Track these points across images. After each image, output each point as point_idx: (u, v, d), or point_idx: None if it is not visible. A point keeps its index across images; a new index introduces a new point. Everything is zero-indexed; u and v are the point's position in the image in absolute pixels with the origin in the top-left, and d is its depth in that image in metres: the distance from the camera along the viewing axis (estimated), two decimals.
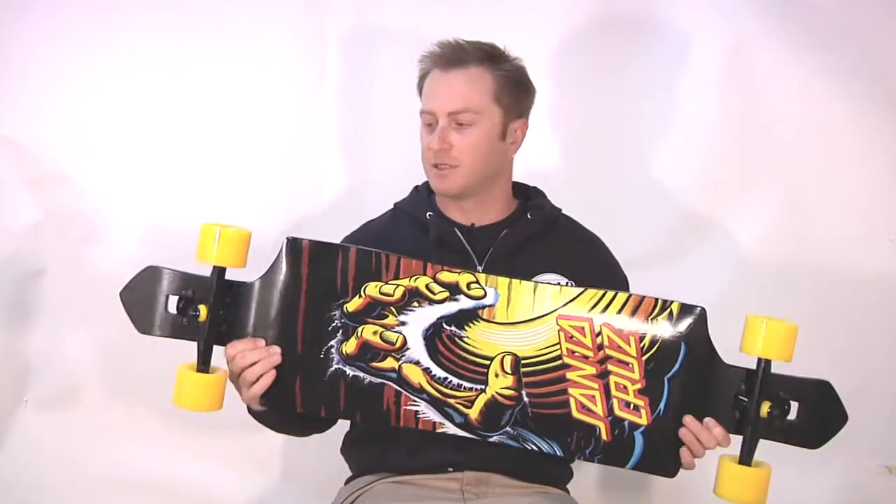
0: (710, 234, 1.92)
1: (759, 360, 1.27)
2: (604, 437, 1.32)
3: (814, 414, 1.30)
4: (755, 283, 1.89)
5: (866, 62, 1.89)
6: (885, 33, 1.89)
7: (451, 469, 1.45)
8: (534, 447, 1.33)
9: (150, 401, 1.93)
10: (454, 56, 1.45)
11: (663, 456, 1.33)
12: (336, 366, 1.32)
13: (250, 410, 1.41)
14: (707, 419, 1.29)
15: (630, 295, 1.29)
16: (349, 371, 1.32)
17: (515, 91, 1.48)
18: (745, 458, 1.30)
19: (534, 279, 1.37)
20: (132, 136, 1.90)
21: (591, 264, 1.50)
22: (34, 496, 1.92)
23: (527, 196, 1.56)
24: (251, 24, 1.89)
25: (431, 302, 1.30)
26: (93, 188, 1.90)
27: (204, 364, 1.29)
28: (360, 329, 1.31)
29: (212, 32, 1.89)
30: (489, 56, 1.45)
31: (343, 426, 1.59)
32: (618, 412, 1.31)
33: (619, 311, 1.29)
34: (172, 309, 1.30)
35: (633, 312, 1.29)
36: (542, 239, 1.50)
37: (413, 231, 1.51)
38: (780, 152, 1.90)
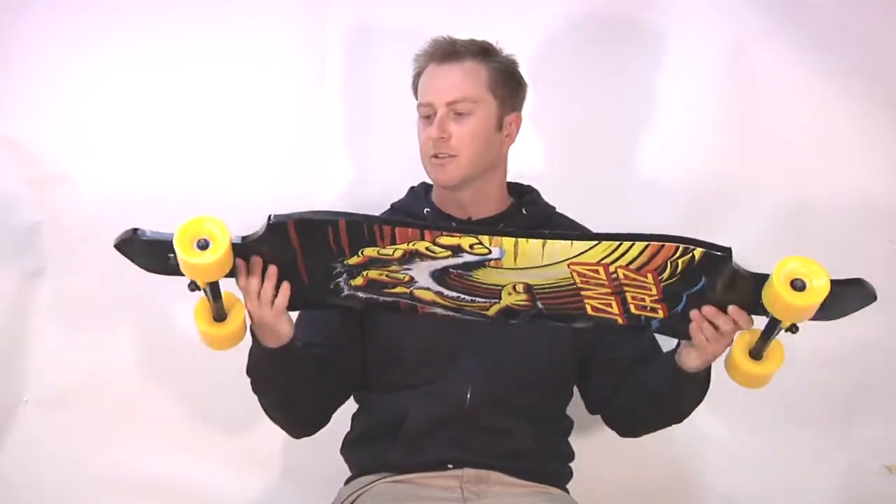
0: (709, 235, 1.90)
1: None
2: (620, 322, 1.33)
3: (839, 302, 1.27)
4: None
5: (866, 62, 1.89)
6: (885, 33, 1.89)
7: (450, 466, 1.46)
8: (554, 324, 1.34)
9: (150, 401, 1.93)
10: (449, 50, 1.49)
11: (682, 326, 1.32)
12: (348, 292, 1.33)
13: (252, 366, 1.42)
14: (731, 307, 1.29)
15: (648, 244, 1.23)
16: (362, 295, 1.33)
17: (509, 84, 1.53)
18: (757, 352, 1.31)
19: None
20: (132, 136, 1.89)
21: None
22: (34, 496, 1.92)
23: (521, 194, 1.60)
24: (251, 24, 1.89)
25: (434, 259, 1.28)
26: (93, 188, 1.90)
27: (217, 305, 1.29)
28: (365, 272, 1.30)
29: (212, 32, 1.89)
30: (483, 50, 1.51)
31: (342, 427, 1.59)
32: (634, 311, 1.31)
33: (636, 258, 1.25)
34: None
35: (651, 258, 1.25)
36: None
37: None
38: (780, 152, 1.90)
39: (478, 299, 1.32)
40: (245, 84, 1.91)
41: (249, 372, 1.44)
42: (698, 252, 1.24)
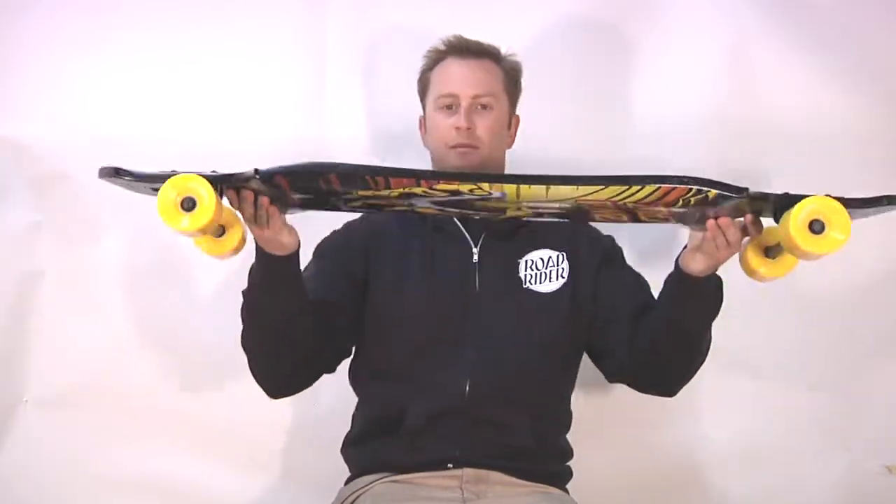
0: None
1: None
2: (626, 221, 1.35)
3: (861, 214, 1.24)
4: (755, 285, 1.89)
5: (866, 62, 1.89)
6: (885, 33, 1.89)
7: (450, 466, 1.46)
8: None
9: (150, 401, 1.93)
10: (471, 47, 1.55)
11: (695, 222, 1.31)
12: (346, 208, 1.35)
13: (252, 282, 1.40)
14: (748, 216, 1.30)
15: (659, 187, 1.23)
16: (363, 209, 1.36)
17: (516, 87, 1.60)
18: (772, 254, 1.30)
19: (526, 256, 1.49)
20: (132, 136, 1.89)
21: (576, 232, 1.57)
22: (34, 496, 1.92)
23: None
24: (251, 25, 1.89)
25: (433, 196, 1.30)
26: (93, 188, 1.89)
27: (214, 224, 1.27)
28: (362, 201, 1.32)
29: (212, 33, 1.89)
30: (496, 53, 1.57)
31: (343, 426, 1.59)
32: (643, 218, 1.33)
33: (646, 197, 1.25)
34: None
35: (663, 196, 1.25)
36: (529, 224, 1.55)
37: (412, 218, 1.54)
38: (779, 152, 1.90)
39: (481, 214, 1.37)
40: (245, 84, 1.91)
41: (248, 290, 1.41)
42: (712, 192, 1.23)
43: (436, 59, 1.57)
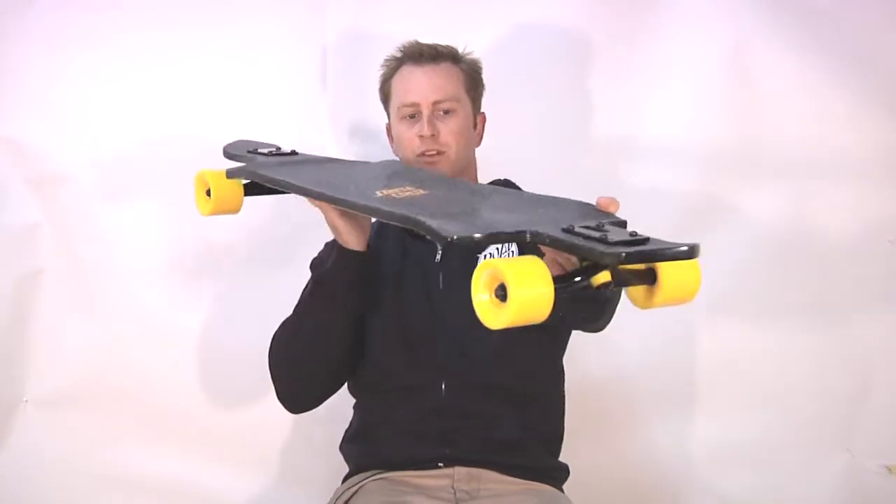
0: (709, 235, 1.91)
1: None
2: None
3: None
4: (755, 283, 1.89)
5: (866, 62, 1.89)
6: (885, 33, 1.89)
7: (441, 465, 1.45)
8: None
9: (150, 401, 1.93)
10: (427, 52, 1.54)
11: None
12: None
13: (322, 276, 1.41)
14: None
15: None
16: None
17: (478, 86, 1.60)
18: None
19: (484, 251, 1.48)
20: (132, 137, 1.90)
21: None
22: (34, 496, 1.92)
23: None
24: (251, 26, 1.89)
25: None
26: (93, 188, 1.90)
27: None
28: None
29: (212, 33, 1.90)
30: (453, 54, 1.57)
31: (342, 425, 1.60)
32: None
33: None
34: None
35: None
36: None
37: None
38: (779, 153, 1.90)
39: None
40: (245, 85, 1.91)
41: (313, 288, 1.42)
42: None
43: (394, 67, 1.57)
